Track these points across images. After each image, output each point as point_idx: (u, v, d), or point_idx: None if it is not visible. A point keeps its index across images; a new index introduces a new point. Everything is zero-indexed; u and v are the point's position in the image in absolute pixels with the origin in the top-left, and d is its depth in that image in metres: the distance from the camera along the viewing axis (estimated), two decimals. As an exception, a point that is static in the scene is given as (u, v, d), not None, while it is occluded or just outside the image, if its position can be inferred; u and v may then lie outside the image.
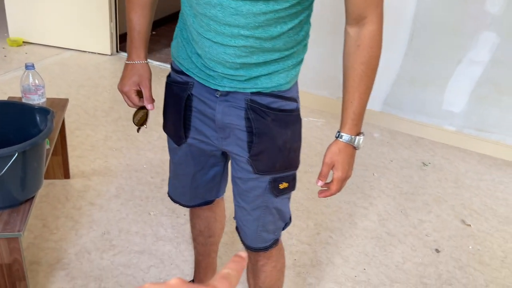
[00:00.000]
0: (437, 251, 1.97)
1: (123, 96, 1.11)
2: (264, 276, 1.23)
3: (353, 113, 0.97)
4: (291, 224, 1.97)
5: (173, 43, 1.08)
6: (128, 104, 1.12)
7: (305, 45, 1.02)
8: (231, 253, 1.80)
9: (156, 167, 2.25)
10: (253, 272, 1.25)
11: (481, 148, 2.85)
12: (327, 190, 1.01)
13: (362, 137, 0.99)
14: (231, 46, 0.90)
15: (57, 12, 3.32)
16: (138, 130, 1.19)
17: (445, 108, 2.85)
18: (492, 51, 2.60)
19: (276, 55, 0.95)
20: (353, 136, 0.98)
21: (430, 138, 2.95)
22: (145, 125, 1.16)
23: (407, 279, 1.79)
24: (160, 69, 3.35)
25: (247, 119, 0.99)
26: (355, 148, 1.00)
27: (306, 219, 2.04)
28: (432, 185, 2.44)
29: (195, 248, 1.48)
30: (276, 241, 1.18)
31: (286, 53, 0.96)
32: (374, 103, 3.02)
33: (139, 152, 2.36)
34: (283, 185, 1.06)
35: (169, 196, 1.30)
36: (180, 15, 1.04)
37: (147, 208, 1.97)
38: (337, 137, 0.99)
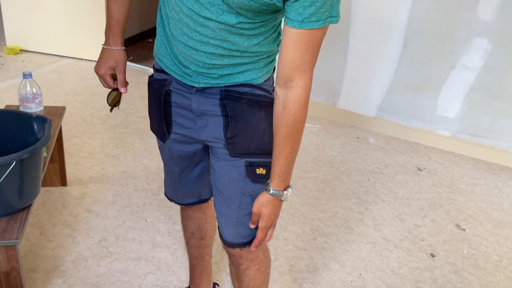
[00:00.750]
0: (433, 255, 1.98)
1: (99, 78, 1.19)
2: (248, 280, 1.23)
3: (280, 170, 1.00)
4: (287, 230, 1.99)
5: (156, 40, 1.13)
6: (103, 85, 1.20)
7: (278, 45, 1.06)
8: (227, 259, 1.81)
9: (152, 174, 2.27)
10: (237, 276, 1.25)
11: (476, 153, 2.88)
12: (255, 239, 1.09)
13: (290, 190, 1.05)
14: (201, 51, 0.97)
15: (54, 20, 3.34)
16: (111, 110, 1.26)
17: (439, 113, 2.88)
18: (484, 57, 2.63)
19: (246, 60, 1.00)
20: (280, 191, 1.03)
21: (425, 143, 2.97)
22: (117, 106, 1.24)
23: (403, 283, 1.80)
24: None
25: (222, 105, 1.05)
26: (282, 201, 1.05)
27: (302, 225, 2.06)
28: (427, 190, 2.46)
29: (189, 252, 1.49)
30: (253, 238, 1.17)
31: (256, 59, 1.01)
32: (368, 109, 3.04)
33: (136, 159, 2.37)
34: (260, 170, 1.08)
35: (165, 195, 1.35)
36: (158, 12, 1.09)
37: (143, 215, 1.98)
38: (265, 189, 1.05)
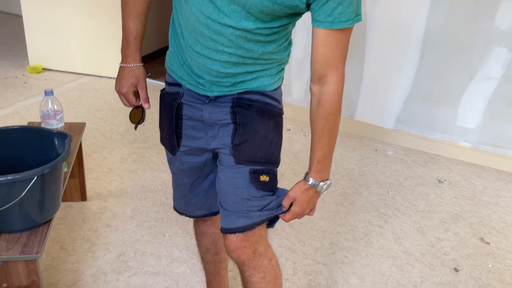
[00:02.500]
0: (456, 270, 1.92)
1: (120, 97, 1.19)
2: None
3: (317, 162, 1.05)
4: (306, 244, 1.97)
5: (168, 52, 1.14)
6: (124, 104, 1.20)
7: (288, 54, 1.10)
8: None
9: (170, 188, 2.28)
10: (243, 284, 1.23)
11: (498, 164, 2.81)
12: (286, 214, 1.10)
13: (327, 183, 1.08)
14: (216, 60, 0.99)
15: (75, 39, 3.43)
16: (136, 128, 1.26)
17: (459, 124, 2.83)
18: (504, 67, 2.59)
19: (258, 67, 1.03)
20: (317, 182, 1.06)
21: (445, 155, 2.92)
22: (142, 123, 1.24)
23: (425, 299, 1.75)
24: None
25: (233, 112, 1.07)
26: (318, 192, 1.08)
27: (321, 239, 2.03)
28: (449, 203, 2.41)
29: (205, 267, 1.49)
30: (253, 226, 1.11)
31: (268, 66, 1.05)
32: (387, 121, 3.01)
33: (154, 174, 2.39)
34: (264, 177, 1.09)
35: (174, 209, 1.35)
36: (171, 22, 1.11)
37: (162, 229, 1.98)
38: (304, 178, 1.08)
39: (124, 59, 1.16)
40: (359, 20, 0.93)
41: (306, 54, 2.98)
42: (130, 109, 1.23)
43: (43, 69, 3.54)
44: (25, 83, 3.32)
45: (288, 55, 1.10)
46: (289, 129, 2.95)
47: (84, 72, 3.57)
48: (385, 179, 2.58)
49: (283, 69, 1.12)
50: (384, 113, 3.01)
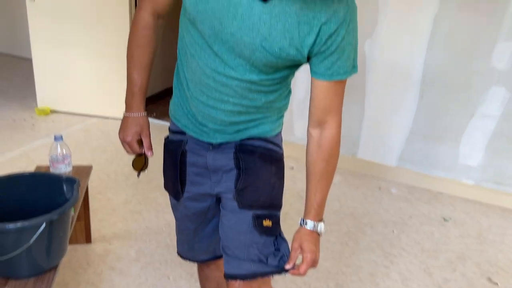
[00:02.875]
0: (465, 312, 1.89)
1: (123, 145, 1.22)
2: None
3: (316, 204, 1.08)
4: (311, 286, 1.95)
5: (171, 101, 1.19)
6: (127, 152, 1.22)
7: (287, 103, 1.15)
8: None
9: (174, 229, 2.28)
10: None
11: (502, 202, 2.80)
12: (296, 270, 1.08)
13: (323, 223, 1.10)
14: (220, 109, 1.04)
15: (82, 81, 3.53)
16: (138, 175, 1.29)
17: (461, 162, 2.85)
18: (503, 105, 2.64)
19: (261, 115, 1.09)
20: (316, 223, 1.08)
21: (449, 192, 2.92)
22: (144, 170, 1.27)
23: None
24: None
25: (236, 158, 1.10)
26: (318, 234, 1.09)
27: (326, 280, 2.01)
28: (455, 242, 2.39)
29: None
30: (255, 275, 1.10)
31: (269, 114, 1.10)
32: (389, 158, 3.04)
33: (158, 215, 2.40)
34: (266, 222, 1.11)
35: (178, 254, 1.35)
36: (175, 73, 1.15)
37: (166, 272, 1.97)
38: (302, 224, 1.09)
39: (128, 108, 1.20)
40: (356, 71, 0.99)
41: (307, 95, 3.05)
42: (133, 156, 1.26)
43: (51, 111, 3.62)
44: (33, 125, 3.39)
45: (288, 102, 1.15)
46: (292, 168, 2.98)
47: (90, 114, 3.64)
48: (390, 217, 2.58)
49: (283, 115, 1.17)
50: (386, 151, 3.04)
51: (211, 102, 1.03)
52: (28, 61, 4.14)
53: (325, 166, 1.06)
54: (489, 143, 2.74)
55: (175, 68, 1.15)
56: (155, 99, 4.26)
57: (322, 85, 0.99)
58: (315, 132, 1.05)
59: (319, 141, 1.05)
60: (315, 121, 1.04)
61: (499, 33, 2.53)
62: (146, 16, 1.11)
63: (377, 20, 2.76)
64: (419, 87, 2.80)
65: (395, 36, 2.76)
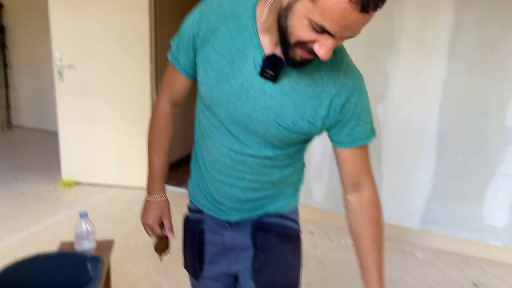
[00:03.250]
0: None
1: (145, 229, 1.25)
2: None
3: (379, 272, 1.02)
4: None
5: (189, 181, 1.23)
6: (149, 235, 1.26)
7: (302, 178, 1.18)
8: None
9: (196, 302, 2.24)
10: None
11: (535, 264, 2.68)
12: None
13: None
14: (237, 186, 1.07)
15: (105, 153, 3.66)
16: (161, 258, 1.31)
17: (487, 223, 2.78)
18: (523, 164, 2.62)
19: (277, 191, 1.11)
20: None
21: (476, 255, 2.82)
22: (167, 252, 1.29)
23: None
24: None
25: (253, 236, 1.11)
26: None
27: None
28: (488, 309, 2.27)
29: None
30: None
31: (285, 189, 1.13)
32: (411, 221, 2.98)
33: (179, 287, 2.37)
34: None
35: None
36: (192, 155, 1.20)
37: None
38: None
39: (150, 192, 1.24)
40: (375, 135, 1.03)
41: (323, 157, 3.09)
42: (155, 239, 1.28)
43: (74, 182, 3.73)
44: (57, 197, 3.48)
45: (303, 177, 1.18)
46: (313, 233, 2.94)
47: (112, 184, 3.73)
48: (418, 284, 2.48)
49: (298, 190, 1.19)
50: (408, 213, 2.99)
51: (228, 180, 1.08)
52: (54, 134, 4.33)
53: (376, 229, 1.03)
54: (513, 202, 2.68)
55: (193, 149, 1.21)
56: (174, 167, 4.35)
57: (347, 152, 1.01)
58: (353, 198, 1.04)
59: (361, 206, 1.03)
60: (350, 186, 1.04)
61: (510, 93, 2.58)
62: (165, 105, 1.20)
63: (388, 86, 2.85)
64: (436, 148, 2.82)
65: (407, 100, 2.83)
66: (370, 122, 1.01)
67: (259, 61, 0.94)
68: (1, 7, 5.06)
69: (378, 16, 2.81)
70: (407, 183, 2.95)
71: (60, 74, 3.48)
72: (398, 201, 3.00)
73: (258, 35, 0.95)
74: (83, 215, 1.69)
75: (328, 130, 1.01)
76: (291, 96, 0.94)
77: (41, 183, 3.75)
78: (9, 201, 3.35)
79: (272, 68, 0.92)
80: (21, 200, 3.39)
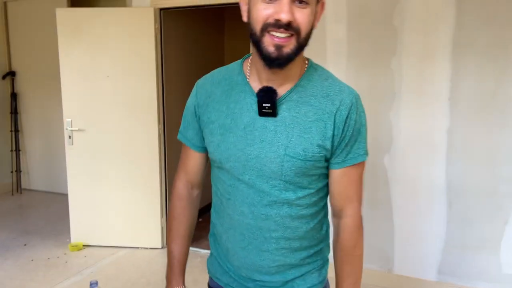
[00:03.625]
0: None
1: None
2: None
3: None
4: None
5: (209, 259, 1.19)
6: None
7: (328, 245, 1.16)
8: None
9: None
10: None
11: (562, 314, 2.57)
12: None
13: None
14: (264, 251, 1.03)
15: (114, 214, 3.66)
16: None
17: (505, 271, 2.69)
18: (536, 209, 2.58)
19: (305, 253, 1.07)
20: None
21: (499, 306, 2.71)
22: None
23: None
24: (207, 255, 3.44)
25: None
26: None
27: None
28: None
29: None
30: None
31: (313, 251, 1.08)
32: (428, 272, 2.90)
33: None
34: None
35: None
36: (210, 235, 1.17)
37: None
38: None
39: (168, 283, 1.21)
40: (366, 158, 1.04)
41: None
42: None
43: (83, 245, 3.70)
44: (66, 262, 3.44)
45: (327, 234, 1.14)
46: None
47: (121, 245, 3.70)
48: None
49: (327, 260, 1.15)
50: (424, 265, 2.92)
51: (253, 245, 1.04)
52: (64, 196, 4.36)
53: (343, 256, 1.07)
54: (531, 249, 2.62)
55: (211, 226, 1.19)
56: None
57: (336, 173, 1.03)
58: (335, 221, 1.09)
59: (337, 230, 1.08)
60: (334, 210, 1.08)
61: (515, 139, 2.59)
62: (181, 187, 1.19)
63: (392, 136, 2.88)
64: (446, 197, 2.79)
65: (413, 150, 2.84)
66: (364, 144, 1.04)
67: (255, 105, 1.00)
68: (13, 75, 5.27)
69: (378, 70, 2.89)
70: (420, 234, 2.90)
71: (70, 137, 3.57)
72: (412, 253, 2.93)
73: (249, 84, 1.02)
74: (93, 285, 1.67)
75: (334, 153, 1.02)
76: (295, 125, 0.97)
77: (50, 248, 3.73)
78: (18, 268, 3.31)
79: (268, 100, 0.97)
80: (30, 266, 3.35)
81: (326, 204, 1.11)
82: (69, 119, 3.54)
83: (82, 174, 3.64)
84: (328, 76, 1.03)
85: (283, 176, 0.99)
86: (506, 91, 2.59)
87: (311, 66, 1.04)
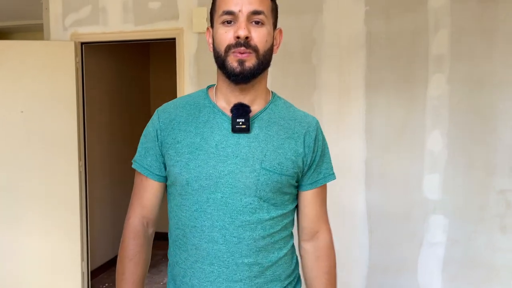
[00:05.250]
0: None
1: None
2: None
3: None
4: None
5: None
6: None
7: (299, 277, 1.14)
8: None
9: None
10: None
11: (473, 328, 2.76)
12: None
13: None
14: (236, 281, 0.97)
15: (29, 260, 3.34)
16: None
17: (423, 292, 2.87)
18: (445, 232, 2.80)
19: (279, 285, 1.03)
20: None
21: (420, 326, 2.85)
22: None
23: None
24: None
25: None
26: None
27: None
28: None
29: None
30: None
31: (287, 282, 1.06)
32: (354, 299, 2.99)
33: None
34: None
35: None
36: (169, 269, 1.09)
37: None
38: None
39: None
40: (335, 177, 1.11)
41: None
42: None
43: (-11, 298, 3.31)
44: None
45: (297, 265, 1.12)
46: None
47: (35, 295, 3.37)
48: None
49: None
50: (350, 291, 3.00)
51: (224, 276, 0.97)
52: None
53: (329, 278, 1.09)
54: (444, 269, 2.82)
55: (168, 272, 1.10)
56: (106, 267, 4.06)
57: (309, 194, 1.07)
58: (310, 246, 1.09)
59: (316, 255, 1.08)
60: (307, 233, 1.09)
61: (423, 167, 2.83)
62: (136, 223, 1.09)
63: (316, 168, 3.00)
64: (367, 224, 2.94)
65: (335, 181, 2.97)
66: (330, 163, 1.11)
67: (227, 123, 1.02)
68: None
69: (301, 103, 3.01)
70: (344, 261, 3.00)
71: (-23, 178, 3.25)
72: (338, 281, 3.01)
73: (217, 106, 1.05)
74: None
75: (305, 174, 1.06)
76: (268, 141, 1.01)
77: None
78: None
79: (242, 115, 1.00)
80: None
81: (292, 233, 1.10)
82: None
83: (-9, 218, 3.31)
84: (291, 105, 1.14)
85: (258, 192, 0.97)
86: (413, 125, 2.85)
87: (275, 96, 1.13)
